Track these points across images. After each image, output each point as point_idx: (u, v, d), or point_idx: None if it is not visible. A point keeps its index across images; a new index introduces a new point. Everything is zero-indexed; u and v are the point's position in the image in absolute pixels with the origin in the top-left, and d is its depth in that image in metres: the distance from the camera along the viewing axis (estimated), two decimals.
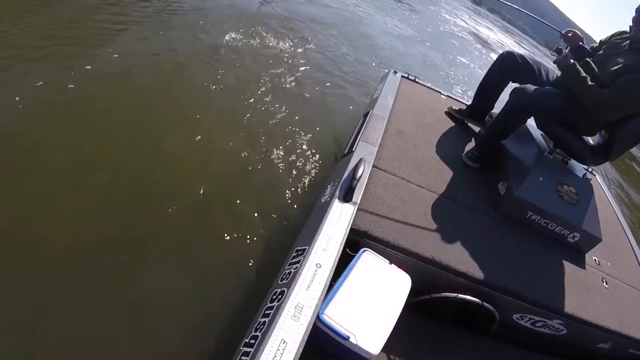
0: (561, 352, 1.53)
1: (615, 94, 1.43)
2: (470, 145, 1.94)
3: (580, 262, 1.61)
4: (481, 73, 2.04)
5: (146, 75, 2.50)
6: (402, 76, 2.39)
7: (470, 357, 1.37)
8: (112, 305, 1.33)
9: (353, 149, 1.50)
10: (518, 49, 10.33)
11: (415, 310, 1.26)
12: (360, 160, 1.34)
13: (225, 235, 1.69)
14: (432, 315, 1.36)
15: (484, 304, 1.24)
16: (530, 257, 1.49)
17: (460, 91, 5.15)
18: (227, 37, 3.39)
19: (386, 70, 2.45)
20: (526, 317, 1.38)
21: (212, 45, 3.18)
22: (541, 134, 1.86)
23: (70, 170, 1.71)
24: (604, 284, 1.57)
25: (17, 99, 1.91)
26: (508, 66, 1.88)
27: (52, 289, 1.30)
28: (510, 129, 1.73)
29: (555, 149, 1.74)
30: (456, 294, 1.22)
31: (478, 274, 1.27)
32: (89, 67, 2.34)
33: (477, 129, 2.13)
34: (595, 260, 1.67)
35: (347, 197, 1.20)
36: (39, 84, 2.06)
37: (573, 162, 1.77)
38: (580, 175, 1.71)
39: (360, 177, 1.26)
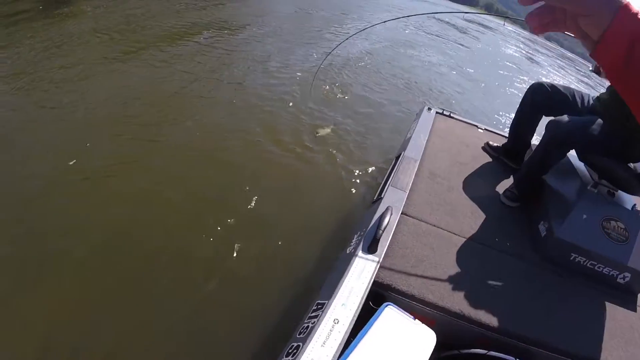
0: None
1: None
2: (509, 182, 1.83)
3: (631, 304, 1.44)
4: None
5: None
6: (437, 112, 2.34)
7: None
8: None
9: (382, 196, 1.49)
10: (568, 73, 9.78)
11: None
12: (387, 208, 1.33)
13: (249, 284, 1.70)
14: None
15: None
16: (573, 304, 1.35)
17: (504, 118, 4.90)
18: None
19: (421, 107, 2.41)
20: None
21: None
22: (584, 166, 1.71)
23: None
24: None
25: None
26: (540, 98, 1.78)
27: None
28: (549, 163, 1.62)
29: (600, 180, 1.59)
30: (487, 351, 1.12)
31: (512, 327, 1.17)
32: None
33: None
34: None
35: (371, 249, 1.18)
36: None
37: (620, 194, 1.61)
38: (629, 208, 1.54)
39: (386, 227, 1.24)
